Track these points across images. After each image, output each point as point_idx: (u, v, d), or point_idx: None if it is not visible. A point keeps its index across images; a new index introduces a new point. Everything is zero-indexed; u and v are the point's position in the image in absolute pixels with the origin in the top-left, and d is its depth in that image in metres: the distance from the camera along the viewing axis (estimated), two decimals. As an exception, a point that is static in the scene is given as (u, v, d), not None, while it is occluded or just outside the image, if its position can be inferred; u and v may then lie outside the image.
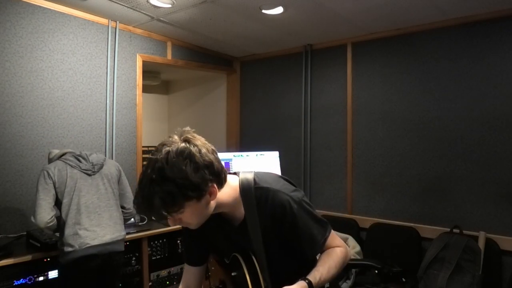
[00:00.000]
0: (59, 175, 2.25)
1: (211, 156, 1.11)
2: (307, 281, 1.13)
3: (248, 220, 1.22)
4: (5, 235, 2.61)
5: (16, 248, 2.39)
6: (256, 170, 1.30)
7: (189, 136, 1.10)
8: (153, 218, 1.08)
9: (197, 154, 1.06)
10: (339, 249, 1.27)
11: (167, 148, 1.05)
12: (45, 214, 2.16)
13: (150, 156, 1.08)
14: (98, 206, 2.32)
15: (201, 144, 1.10)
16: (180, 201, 1.05)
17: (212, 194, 1.12)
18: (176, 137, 1.10)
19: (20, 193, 2.76)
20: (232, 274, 1.29)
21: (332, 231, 1.29)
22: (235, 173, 1.29)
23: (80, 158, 2.37)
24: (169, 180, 1.02)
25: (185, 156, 1.05)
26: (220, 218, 1.28)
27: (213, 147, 1.14)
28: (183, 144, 1.07)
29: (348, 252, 1.29)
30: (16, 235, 2.64)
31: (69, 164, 2.31)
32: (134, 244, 2.81)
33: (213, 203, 1.15)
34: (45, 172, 2.25)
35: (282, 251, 1.26)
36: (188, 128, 1.14)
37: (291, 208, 1.20)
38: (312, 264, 1.25)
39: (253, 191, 1.21)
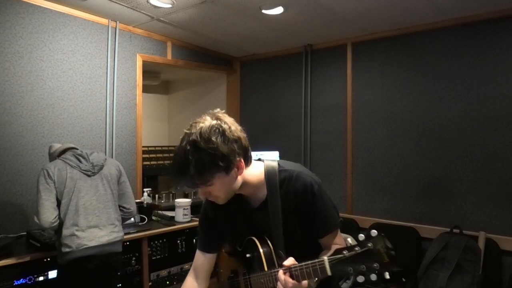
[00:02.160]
0: (59, 175, 2.24)
1: (240, 133, 1.21)
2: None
3: (269, 201, 1.29)
4: (5, 235, 2.61)
5: (16, 248, 2.39)
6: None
7: (220, 115, 1.21)
8: (185, 186, 1.17)
9: (227, 130, 1.17)
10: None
11: (201, 124, 1.17)
12: (49, 214, 2.15)
13: (185, 131, 1.20)
14: (97, 207, 2.31)
15: (230, 122, 1.21)
16: (211, 170, 1.15)
17: (240, 169, 1.22)
18: (207, 116, 1.21)
19: (20, 193, 2.76)
20: (247, 255, 1.36)
21: (339, 232, 1.34)
22: (259, 159, 1.38)
23: (81, 158, 2.35)
24: (202, 150, 1.13)
25: (216, 130, 1.16)
26: (241, 199, 1.35)
27: (240, 127, 1.24)
28: (215, 121, 1.18)
29: None
30: (16, 235, 2.64)
31: (69, 164, 2.30)
32: (134, 244, 2.81)
33: (240, 179, 1.24)
34: (45, 172, 2.23)
35: (300, 234, 1.31)
36: (218, 109, 1.24)
37: (312, 188, 1.27)
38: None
39: (277, 174, 1.30)
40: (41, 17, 2.86)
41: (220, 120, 1.19)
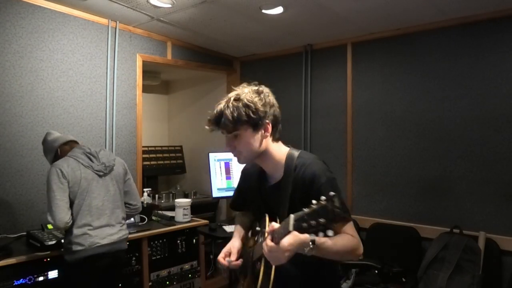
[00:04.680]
0: (73, 175, 2.23)
1: (275, 102, 1.40)
2: (312, 236, 1.17)
3: (282, 182, 1.39)
4: (5, 235, 2.61)
5: (16, 248, 2.39)
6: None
7: (262, 87, 1.40)
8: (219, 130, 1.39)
9: (267, 95, 1.37)
10: (352, 237, 1.30)
11: (245, 88, 1.38)
12: (64, 215, 2.15)
13: (234, 88, 1.40)
14: (108, 207, 2.34)
15: (269, 92, 1.40)
16: (242, 118, 1.32)
17: (266, 131, 1.37)
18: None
19: (20, 193, 2.76)
20: (257, 229, 1.47)
21: (352, 225, 1.33)
22: (288, 147, 1.51)
23: (92, 157, 2.35)
24: (241, 101, 1.33)
25: (256, 92, 1.36)
26: (262, 173, 1.49)
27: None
28: (256, 87, 1.39)
29: (360, 247, 1.31)
30: (16, 235, 2.64)
31: (82, 164, 2.29)
32: (134, 244, 2.81)
33: (264, 145, 1.39)
34: (59, 171, 2.20)
35: None
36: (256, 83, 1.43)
37: (320, 179, 1.32)
38: None
39: (295, 159, 1.41)
40: (41, 17, 2.86)
41: (261, 87, 1.39)
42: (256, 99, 1.34)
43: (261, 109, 1.34)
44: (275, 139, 1.42)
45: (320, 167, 1.36)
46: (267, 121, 1.36)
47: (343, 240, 1.27)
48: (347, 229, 1.30)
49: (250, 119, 1.33)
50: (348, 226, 1.31)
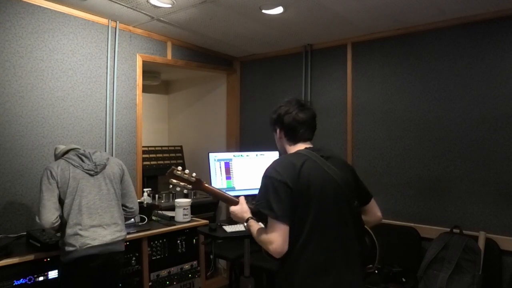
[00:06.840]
0: (61, 175, 2.25)
1: (298, 116, 1.73)
2: (251, 217, 1.66)
3: None
4: (5, 235, 2.61)
5: (16, 248, 2.39)
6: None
7: (290, 100, 1.77)
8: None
9: (281, 109, 1.73)
10: (266, 235, 1.51)
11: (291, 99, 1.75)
12: (50, 215, 2.16)
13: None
14: (100, 206, 2.31)
15: (289, 106, 1.74)
16: (272, 118, 1.77)
17: (278, 134, 1.76)
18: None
19: (20, 193, 2.76)
20: None
21: (273, 226, 1.48)
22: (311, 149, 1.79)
23: (83, 158, 2.36)
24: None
25: (282, 103, 1.75)
26: None
27: (304, 115, 1.78)
28: (286, 100, 1.76)
29: (270, 246, 1.48)
30: (16, 235, 2.64)
31: (72, 164, 2.31)
32: (134, 244, 2.81)
33: (282, 144, 1.76)
34: (48, 172, 2.24)
35: None
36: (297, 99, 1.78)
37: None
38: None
39: None
40: (41, 17, 2.86)
41: (288, 100, 1.75)
42: (278, 107, 1.73)
43: (274, 116, 1.73)
44: (291, 142, 1.73)
45: (272, 163, 1.60)
46: (275, 127, 1.73)
47: (259, 232, 1.56)
48: (268, 226, 1.51)
49: (271, 120, 1.76)
50: (269, 225, 1.50)
